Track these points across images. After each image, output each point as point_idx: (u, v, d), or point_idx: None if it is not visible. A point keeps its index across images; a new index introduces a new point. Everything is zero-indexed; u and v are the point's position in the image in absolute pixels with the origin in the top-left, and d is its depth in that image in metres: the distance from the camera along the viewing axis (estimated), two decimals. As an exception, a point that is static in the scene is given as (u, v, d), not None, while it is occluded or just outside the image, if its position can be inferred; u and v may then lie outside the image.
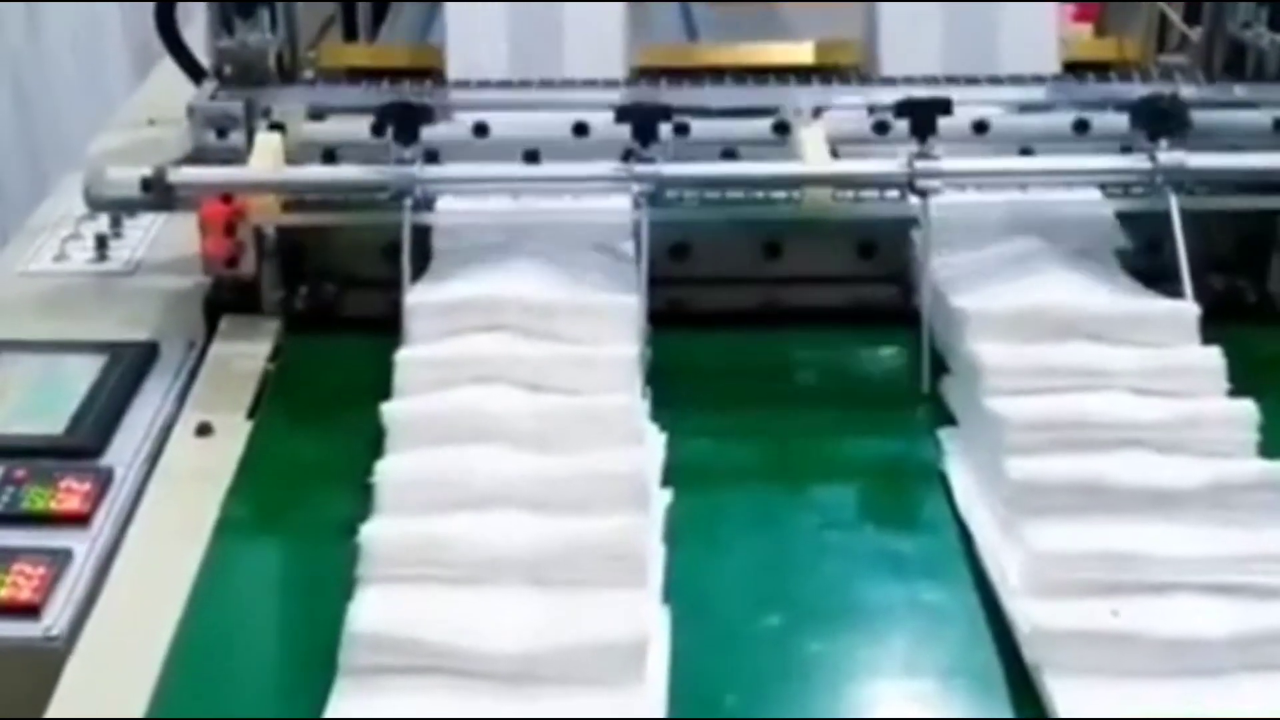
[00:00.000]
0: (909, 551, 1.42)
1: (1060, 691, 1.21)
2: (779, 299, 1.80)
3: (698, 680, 1.26)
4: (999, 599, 1.32)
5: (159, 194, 1.64)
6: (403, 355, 1.51)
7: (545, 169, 1.68)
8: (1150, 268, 1.70)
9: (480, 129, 1.73)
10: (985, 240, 1.72)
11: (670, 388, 1.58)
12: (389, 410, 1.45)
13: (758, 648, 1.32)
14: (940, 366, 1.64)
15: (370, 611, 1.23)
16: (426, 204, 1.69)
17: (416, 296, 1.57)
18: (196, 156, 1.72)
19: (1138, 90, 1.74)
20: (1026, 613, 1.27)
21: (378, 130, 1.68)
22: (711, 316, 1.77)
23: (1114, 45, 2.15)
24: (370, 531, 1.31)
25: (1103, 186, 1.75)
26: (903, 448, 1.57)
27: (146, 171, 1.64)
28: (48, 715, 1.24)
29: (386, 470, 1.38)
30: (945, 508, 1.46)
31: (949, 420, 1.58)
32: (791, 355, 1.73)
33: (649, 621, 1.25)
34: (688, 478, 1.48)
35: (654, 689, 1.22)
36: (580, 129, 1.72)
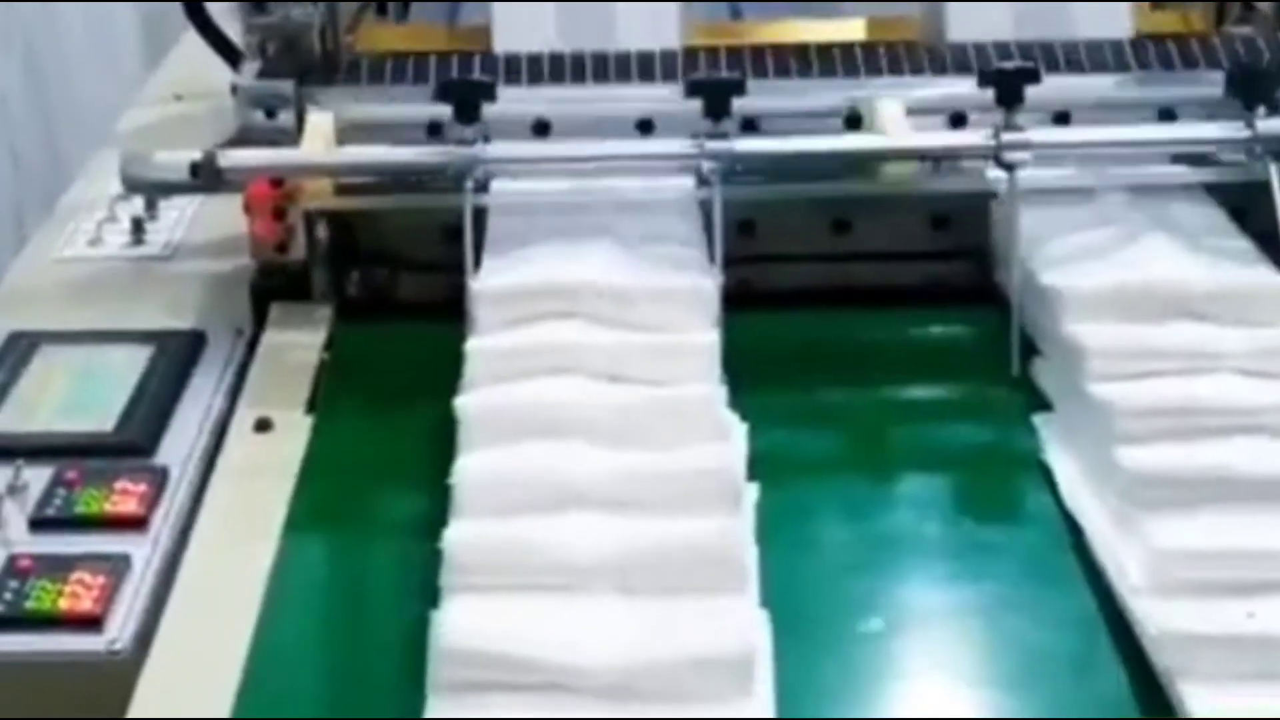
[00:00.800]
0: (1015, 547, 1.35)
1: (1195, 698, 1.14)
2: (850, 277, 1.72)
3: (800, 690, 1.18)
4: (1119, 599, 1.25)
5: (208, 178, 1.56)
6: (473, 345, 1.44)
7: (611, 146, 1.61)
8: None
9: (540, 127, 1.64)
10: (1070, 209, 1.65)
11: (744, 373, 1.50)
12: (462, 405, 1.38)
13: (861, 655, 1.25)
14: (1029, 348, 1.56)
15: (460, 624, 1.16)
16: (484, 185, 1.62)
17: (483, 282, 1.50)
18: (243, 137, 1.65)
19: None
20: (1154, 615, 1.19)
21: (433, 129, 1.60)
22: (780, 296, 1.70)
23: (1179, 19, 2.06)
24: (454, 536, 1.24)
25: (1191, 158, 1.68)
26: (996, 435, 1.50)
27: (195, 155, 1.56)
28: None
29: (465, 470, 1.30)
30: (1048, 499, 1.39)
31: (1042, 405, 1.51)
32: (868, 336, 1.66)
33: (754, 630, 1.17)
34: (771, 470, 1.40)
35: (762, 703, 1.15)
36: (644, 126, 1.63)
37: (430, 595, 1.25)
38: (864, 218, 1.72)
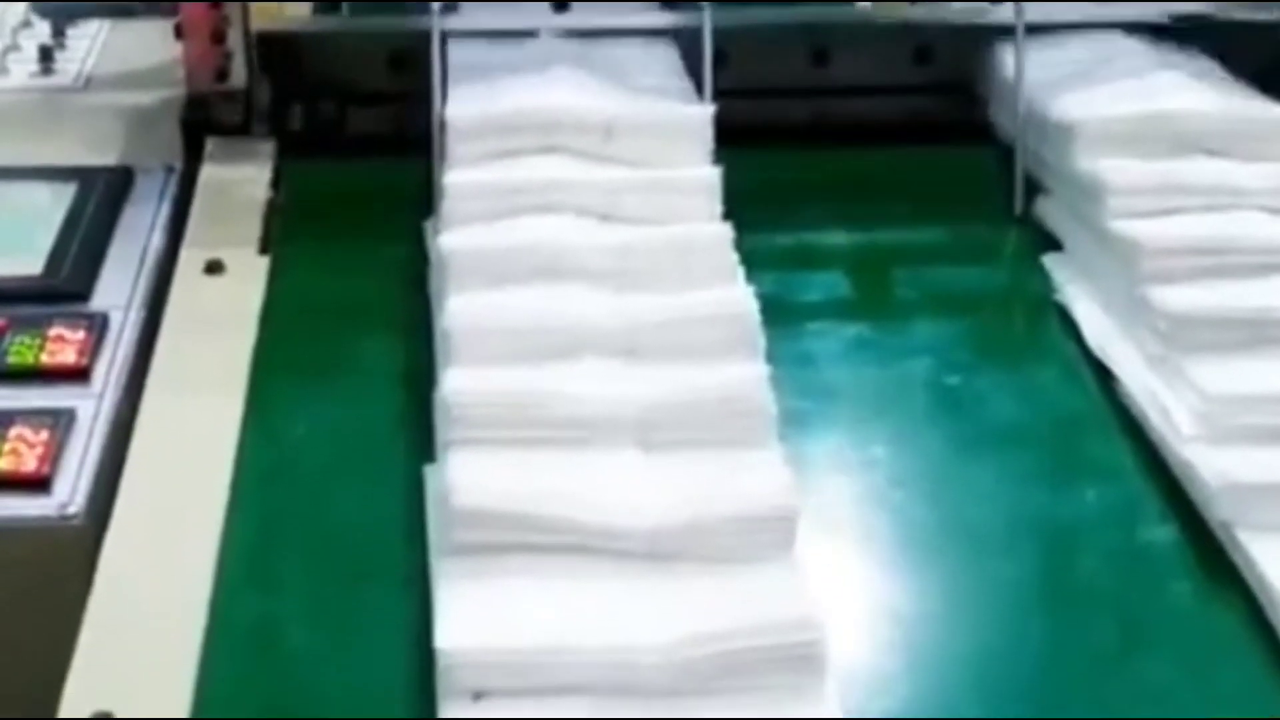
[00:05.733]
0: (1043, 394, 1.27)
1: (1261, 554, 1.07)
2: (829, 112, 1.62)
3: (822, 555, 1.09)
4: (1167, 449, 1.17)
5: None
6: (451, 180, 1.31)
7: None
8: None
9: None
10: (1062, 43, 1.55)
11: (728, 213, 1.39)
12: (446, 244, 1.26)
13: (884, 517, 1.16)
14: (1030, 186, 1.47)
15: (470, 483, 1.04)
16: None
17: (456, 111, 1.37)
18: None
19: None
20: (1211, 465, 1.12)
21: None
22: (756, 132, 1.58)
23: None
24: (451, 386, 1.12)
25: None
26: (1005, 277, 1.42)
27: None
28: (87, 614, 1.04)
29: (456, 313, 1.18)
30: (1070, 344, 1.31)
31: (1049, 245, 1.42)
32: (856, 175, 1.55)
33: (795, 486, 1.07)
34: (772, 315, 1.30)
35: (801, 560, 1.05)
36: None
37: (420, 449, 1.15)
38: (844, 49, 1.61)
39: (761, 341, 1.19)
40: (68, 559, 1.13)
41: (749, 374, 1.14)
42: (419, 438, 1.17)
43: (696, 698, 0.94)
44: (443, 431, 1.12)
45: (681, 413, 1.11)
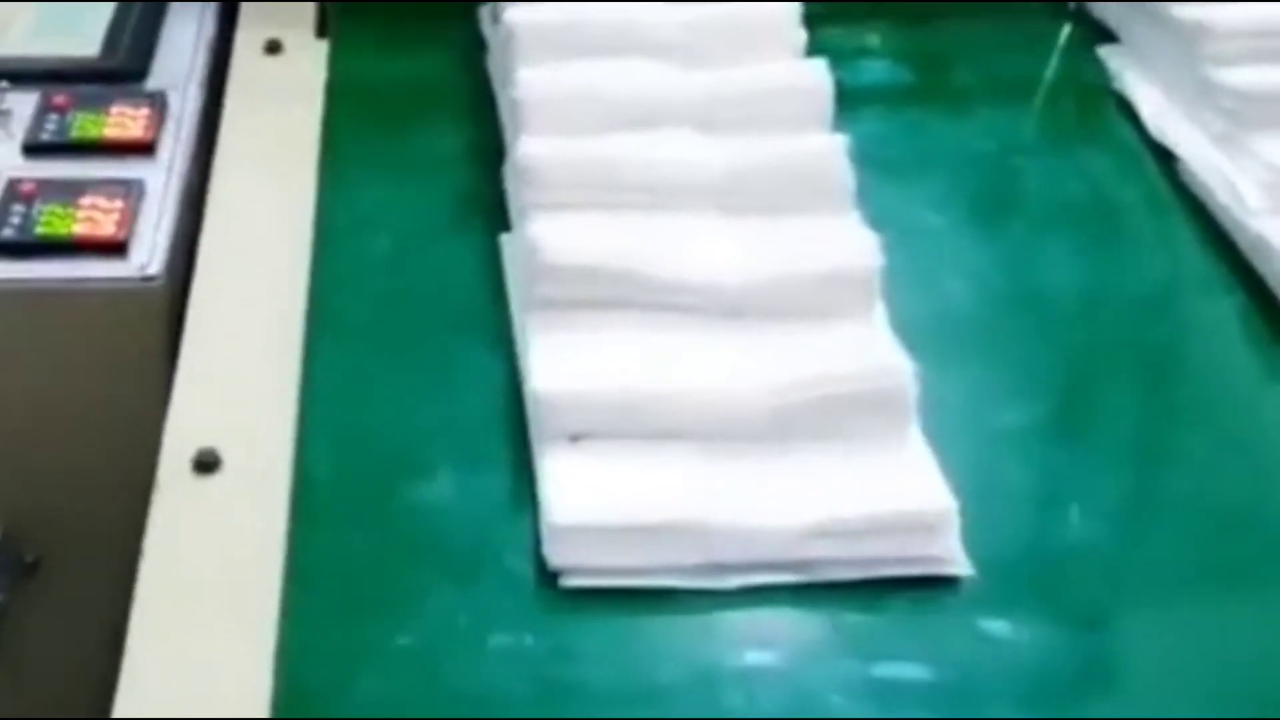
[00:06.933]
0: (1103, 176, 1.28)
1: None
2: None
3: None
4: (1233, 222, 1.19)
5: None
6: (515, -43, 1.31)
7: None
8: None
9: None
10: None
11: None
12: (513, 17, 1.26)
13: (953, 285, 1.17)
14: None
15: (552, 241, 1.06)
16: None
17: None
18: None
19: None
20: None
21: None
22: None
23: None
24: (528, 151, 1.13)
25: None
26: (1061, 66, 1.42)
27: None
28: (180, 359, 1.06)
29: (527, 82, 1.19)
30: (1128, 129, 1.32)
31: (1103, 37, 1.43)
32: None
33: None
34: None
35: (881, 316, 1.07)
36: None
37: (493, 223, 1.16)
38: None
39: (831, 115, 1.21)
40: (148, 321, 1.15)
41: (829, 144, 1.15)
42: (490, 212, 1.18)
43: (793, 441, 0.96)
44: (517, 198, 1.13)
45: (762, 178, 1.12)
